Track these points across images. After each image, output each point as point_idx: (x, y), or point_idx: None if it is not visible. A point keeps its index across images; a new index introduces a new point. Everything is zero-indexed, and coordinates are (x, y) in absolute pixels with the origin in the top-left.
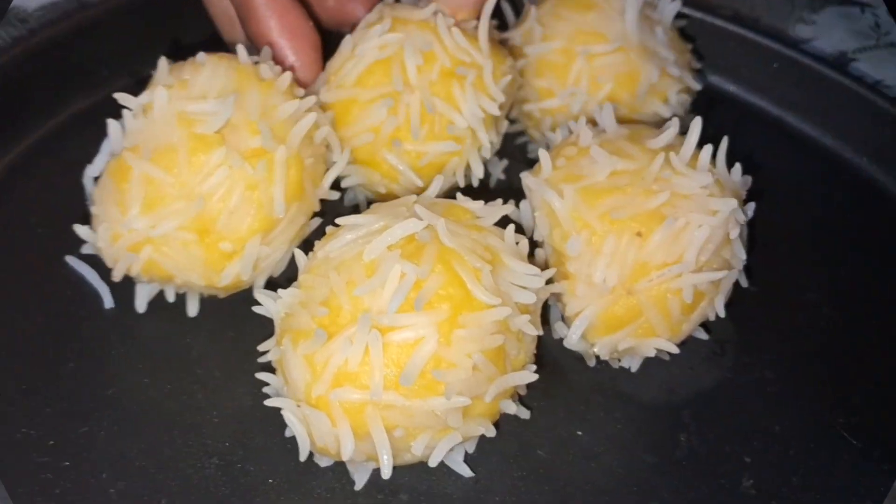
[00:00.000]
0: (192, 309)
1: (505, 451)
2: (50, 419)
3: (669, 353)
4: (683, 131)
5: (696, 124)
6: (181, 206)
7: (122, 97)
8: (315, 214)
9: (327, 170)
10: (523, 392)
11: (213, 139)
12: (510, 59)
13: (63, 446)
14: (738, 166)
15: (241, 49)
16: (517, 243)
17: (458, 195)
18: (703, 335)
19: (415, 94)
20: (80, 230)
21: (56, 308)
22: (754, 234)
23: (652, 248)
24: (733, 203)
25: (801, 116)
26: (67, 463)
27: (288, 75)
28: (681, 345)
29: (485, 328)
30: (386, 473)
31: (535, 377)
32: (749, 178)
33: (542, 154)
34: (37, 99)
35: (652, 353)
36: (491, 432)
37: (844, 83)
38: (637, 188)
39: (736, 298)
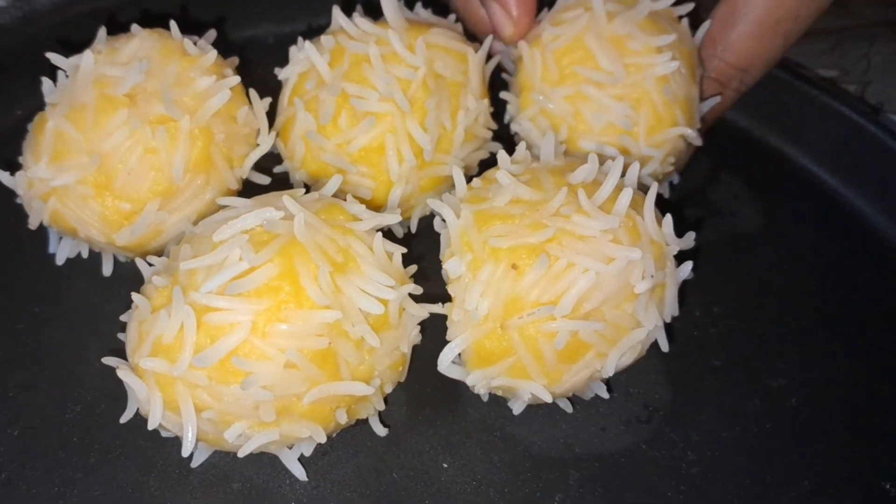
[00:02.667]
0: (107, 268)
1: (359, 466)
2: None
3: (575, 407)
4: None
5: (617, 166)
6: (83, 161)
7: (54, 57)
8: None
9: None
10: (381, 407)
11: (121, 101)
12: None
13: None
14: (668, 218)
15: (173, 25)
16: (392, 254)
17: (349, 197)
18: (603, 393)
19: (332, 87)
20: (2, 175)
21: (6, 245)
22: (745, 302)
23: (526, 285)
24: (635, 254)
25: (853, 187)
26: None
27: (213, 54)
28: (596, 401)
29: (309, 327)
30: (186, 450)
31: (370, 391)
32: (692, 236)
33: (456, 172)
34: None
35: (527, 397)
36: (320, 438)
37: None
38: (528, 220)
39: (688, 367)
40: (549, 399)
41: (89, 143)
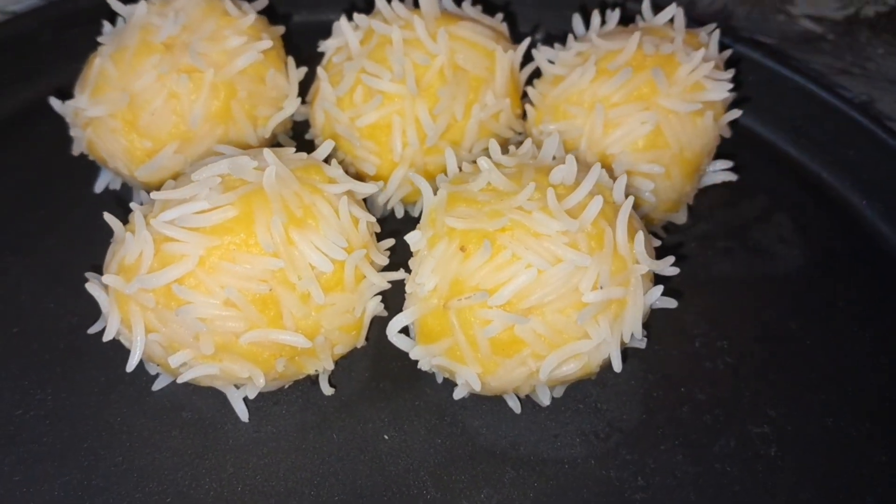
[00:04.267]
0: (135, 201)
1: (304, 421)
2: None
3: (534, 410)
4: None
5: (593, 173)
6: (116, 97)
7: (114, 3)
8: None
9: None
10: (329, 367)
11: (157, 48)
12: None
13: None
14: (640, 236)
15: None
16: (358, 220)
17: (334, 161)
18: (546, 400)
19: (353, 63)
20: (54, 103)
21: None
22: (753, 343)
23: (470, 268)
24: (585, 260)
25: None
26: None
27: (251, 17)
28: (558, 408)
29: (253, 271)
30: (130, 365)
31: (307, 344)
32: (670, 260)
33: (448, 154)
34: None
35: (461, 382)
36: (259, 380)
37: None
38: (490, 207)
39: (668, 395)
40: (477, 387)
41: (123, 81)
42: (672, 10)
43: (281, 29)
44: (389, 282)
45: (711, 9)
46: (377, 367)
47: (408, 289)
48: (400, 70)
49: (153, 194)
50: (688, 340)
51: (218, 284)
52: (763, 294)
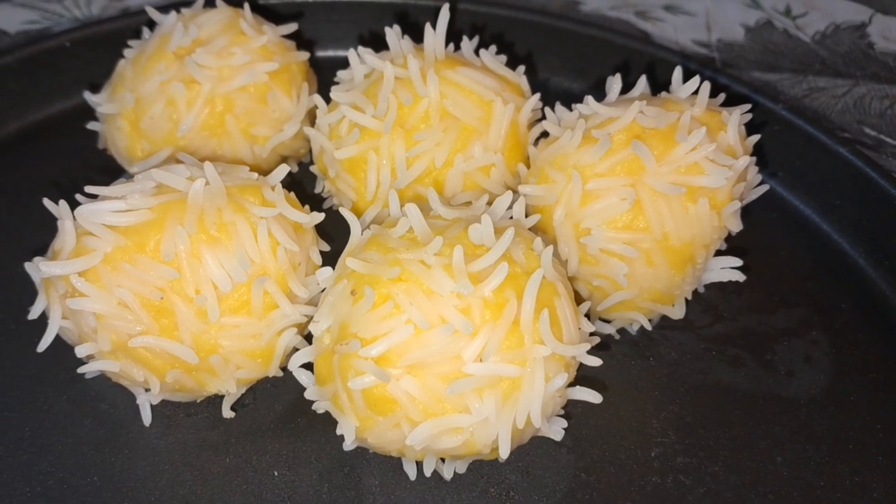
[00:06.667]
0: None
1: (205, 439)
2: None
3: (435, 481)
4: None
5: (506, 237)
6: (125, 97)
7: (150, 11)
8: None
9: None
10: (232, 389)
11: (168, 56)
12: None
13: None
14: (545, 315)
15: (246, 6)
16: (278, 246)
17: (278, 186)
18: (428, 469)
19: (349, 94)
20: (88, 97)
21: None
22: (722, 469)
23: (356, 314)
24: (465, 326)
25: None
26: None
27: (264, 38)
28: (462, 487)
29: (148, 276)
30: (42, 345)
31: (194, 360)
32: (584, 347)
33: (392, 196)
34: None
35: (339, 432)
36: (154, 386)
37: None
38: (395, 255)
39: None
40: (350, 440)
41: (134, 83)
42: (695, 83)
43: (305, 55)
44: None
45: (840, 102)
46: (299, 402)
47: (310, 326)
48: (384, 107)
49: (88, 188)
50: (644, 447)
51: (115, 283)
52: (757, 415)
